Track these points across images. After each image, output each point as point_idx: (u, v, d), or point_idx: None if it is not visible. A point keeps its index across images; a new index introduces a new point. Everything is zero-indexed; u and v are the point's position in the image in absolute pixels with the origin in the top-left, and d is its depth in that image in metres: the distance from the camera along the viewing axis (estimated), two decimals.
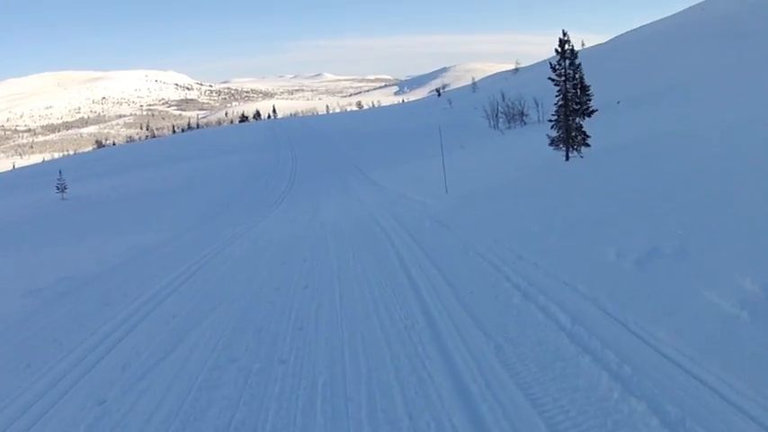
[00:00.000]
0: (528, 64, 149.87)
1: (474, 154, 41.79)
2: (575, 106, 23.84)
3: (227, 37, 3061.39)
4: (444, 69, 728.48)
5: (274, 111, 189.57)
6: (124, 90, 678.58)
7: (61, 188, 53.23)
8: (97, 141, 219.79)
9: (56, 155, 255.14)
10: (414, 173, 36.11)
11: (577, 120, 24.34)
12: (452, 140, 53.73)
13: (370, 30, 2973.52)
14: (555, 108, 25.27)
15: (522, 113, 60.20)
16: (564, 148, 25.27)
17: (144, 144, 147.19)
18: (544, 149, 29.85)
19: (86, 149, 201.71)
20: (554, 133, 25.75)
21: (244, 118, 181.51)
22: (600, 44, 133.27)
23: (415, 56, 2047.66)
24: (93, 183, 61.72)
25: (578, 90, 56.14)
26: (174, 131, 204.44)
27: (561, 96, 25.70)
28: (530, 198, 17.54)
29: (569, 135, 24.97)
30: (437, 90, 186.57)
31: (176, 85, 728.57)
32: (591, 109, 24.21)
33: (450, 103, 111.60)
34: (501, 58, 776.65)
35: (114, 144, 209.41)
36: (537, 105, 58.80)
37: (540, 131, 47.52)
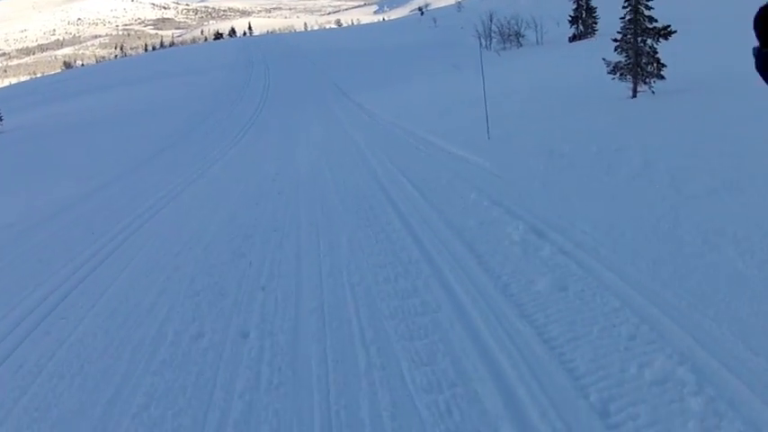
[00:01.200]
0: None
1: (478, 77, 36.53)
2: (646, 24, 18.02)
3: None
4: None
5: (250, 28, 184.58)
6: (100, 11, 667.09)
7: None
8: (65, 63, 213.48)
9: (23, 78, 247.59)
10: (415, 97, 30.44)
11: (650, 41, 18.26)
12: (443, 60, 49.98)
13: None
14: (621, 24, 18.98)
15: (518, 34, 56.11)
16: (631, 79, 18.45)
17: (110, 64, 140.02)
18: (565, 74, 26.03)
19: (54, 72, 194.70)
20: (616, 57, 18.80)
21: (218, 36, 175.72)
22: None
23: None
24: (41, 110, 55.71)
25: (584, 12, 53.77)
26: (146, 50, 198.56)
27: (630, 9, 18.50)
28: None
29: (638, 62, 18.30)
30: (419, 9, 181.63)
31: (153, 4, 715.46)
32: (668, 29, 17.83)
33: (435, 22, 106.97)
34: None
35: (83, 65, 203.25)
36: (536, 26, 55.21)
37: (543, 53, 44.56)
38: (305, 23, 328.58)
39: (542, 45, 52.81)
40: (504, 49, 53.47)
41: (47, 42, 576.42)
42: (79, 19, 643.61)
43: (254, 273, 8.50)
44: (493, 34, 58.48)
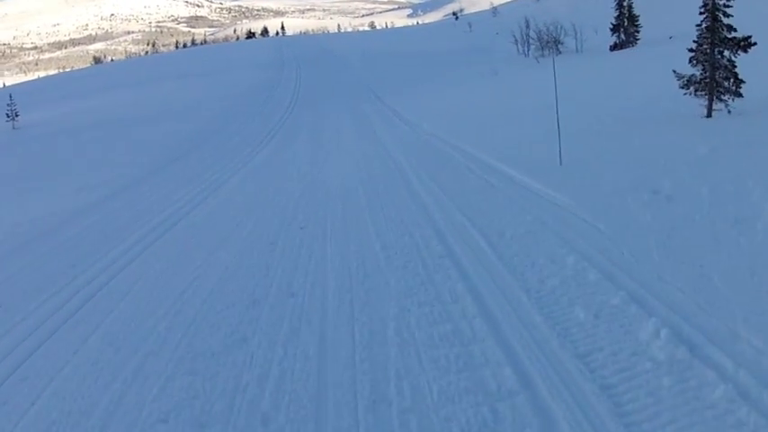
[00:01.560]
0: None
1: (519, 83, 34.58)
2: (725, 33, 15.09)
3: None
4: None
5: (283, 28, 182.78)
6: (133, 7, 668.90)
7: (12, 115, 45.50)
8: (95, 58, 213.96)
9: (52, 72, 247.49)
10: (456, 105, 28.70)
11: (727, 54, 15.45)
12: (481, 65, 48.31)
13: None
14: (697, 33, 16.32)
15: (556, 41, 54.34)
16: (705, 96, 15.98)
17: (139, 60, 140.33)
18: (620, 86, 24.42)
19: (84, 66, 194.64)
20: (689, 69, 16.28)
21: (251, 35, 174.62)
22: None
23: None
24: (62, 106, 53.32)
25: (626, 20, 52.07)
26: (177, 47, 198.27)
27: (707, 15, 15.89)
28: None
29: (713, 77, 15.73)
30: (454, 13, 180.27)
31: (186, 2, 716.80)
32: (749, 40, 15.32)
33: (470, 27, 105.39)
34: None
35: (112, 60, 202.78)
36: (575, 33, 53.18)
37: (587, 62, 42.15)
38: (338, 25, 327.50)
39: (582, 53, 51.07)
40: (543, 56, 51.69)
41: (79, 37, 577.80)
42: (112, 14, 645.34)
43: (253, 382, 5.77)
44: (531, 41, 56.68)
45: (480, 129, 20.00)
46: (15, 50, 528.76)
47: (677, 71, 16.17)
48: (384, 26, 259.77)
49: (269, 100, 39.95)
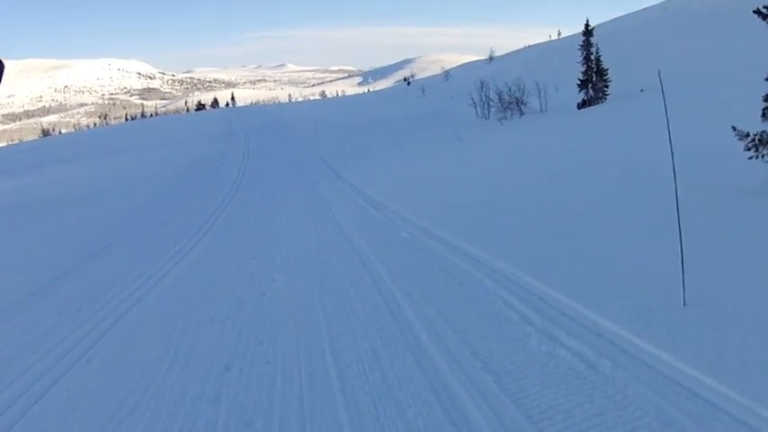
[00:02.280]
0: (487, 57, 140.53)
1: (487, 150, 30.94)
2: None
3: (189, 26, 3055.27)
4: (408, 61, 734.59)
5: (233, 98, 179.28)
6: (86, 79, 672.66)
7: None
8: (43, 130, 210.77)
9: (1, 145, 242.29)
10: (427, 178, 24.71)
11: None
12: (441, 131, 45.17)
13: (332, 21, 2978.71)
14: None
15: (519, 101, 50.90)
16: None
17: (86, 133, 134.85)
18: (611, 148, 21.12)
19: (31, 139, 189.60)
20: (757, 125, 12.28)
21: (200, 106, 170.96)
22: (575, 34, 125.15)
23: (377, 47, 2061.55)
24: None
25: (594, 75, 48.89)
26: (126, 120, 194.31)
27: None
28: None
29: None
30: (405, 79, 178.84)
31: (139, 74, 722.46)
32: None
33: (423, 92, 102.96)
34: (462, 50, 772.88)
35: (60, 133, 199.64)
36: (539, 92, 50.12)
37: (558, 122, 38.67)
38: (289, 95, 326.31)
39: (547, 113, 47.72)
40: (505, 118, 48.21)
41: (33, 109, 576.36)
42: (66, 86, 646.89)
43: None
44: (491, 103, 53.10)
45: (463, 209, 16.64)
46: None
47: (738, 128, 11.88)
48: (335, 94, 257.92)
49: (212, 177, 33.69)
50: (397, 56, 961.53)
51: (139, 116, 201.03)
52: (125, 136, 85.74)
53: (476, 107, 56.45)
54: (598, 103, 45.01)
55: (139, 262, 15.18)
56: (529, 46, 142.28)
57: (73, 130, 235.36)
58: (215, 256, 15.14)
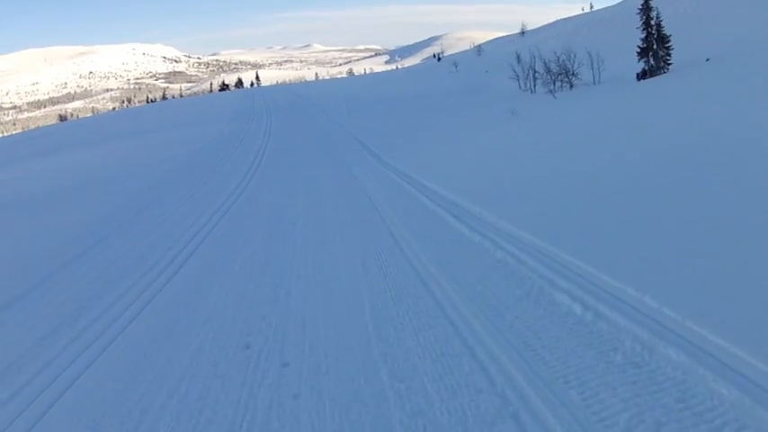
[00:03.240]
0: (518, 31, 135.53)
1: (556, 127, 24.83)
2: None
3: (214, 8, 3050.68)
4: (435, 38, 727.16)
5: (257, 78, 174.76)
6: (111, 64, 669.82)
7: None
8: (60, 116, 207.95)
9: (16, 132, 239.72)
10: (491, 162, 19.25)
11: None
12: (487, 107, 40.60)
13: (357, 0, 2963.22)
14: None
15: (568, 73, 46.24)
16: None
17: (102, 117, 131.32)
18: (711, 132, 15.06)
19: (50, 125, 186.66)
20: None
21: (224, 87, 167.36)
22: (608, 7, 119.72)
23: (403, 26, 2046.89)
24: None
25: (655, 42, 43.89)
26: (147, 102, 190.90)
27: None
28: None
29: None
30: (435, 56, 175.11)
31: (164, 57, 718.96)
32: None
33: (456, 67, 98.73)
34: (489, 27, 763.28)
35: (77, 117, 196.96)
36: (591, 62, 44.99)
37: (615, 95, 33.09)
38: (316, 74, 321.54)
39: (600, 84, 42.83)
40: (552, 91, 43.37)
41: (58, 96, 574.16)
42: (91, 72, 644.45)
43: None
44: (537, 74, 48.25)
45: (566, 209, 11.71)
46: None
47: None
48: (363, 72, 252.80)
49: (225, 161, 29.11)
50: (424, 34, 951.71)
51: (160, 99, 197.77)
52: (141, 118, 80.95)
53: (518, 80, 51.91)
54: (660, 74, 39.96)
55: (128, 269, 11.33)
56: (560, 19, 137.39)
57: (91, 114, 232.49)
58: (223, 267, 11.44)
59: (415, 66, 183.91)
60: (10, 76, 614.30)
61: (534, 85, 47.73)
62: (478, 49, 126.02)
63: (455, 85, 66.74)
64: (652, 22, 42.06)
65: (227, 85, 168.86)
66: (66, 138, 66.36)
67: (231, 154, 32.80)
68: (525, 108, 33.29)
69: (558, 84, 44.90)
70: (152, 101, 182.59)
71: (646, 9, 42.54)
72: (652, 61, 41.31)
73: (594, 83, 43.68)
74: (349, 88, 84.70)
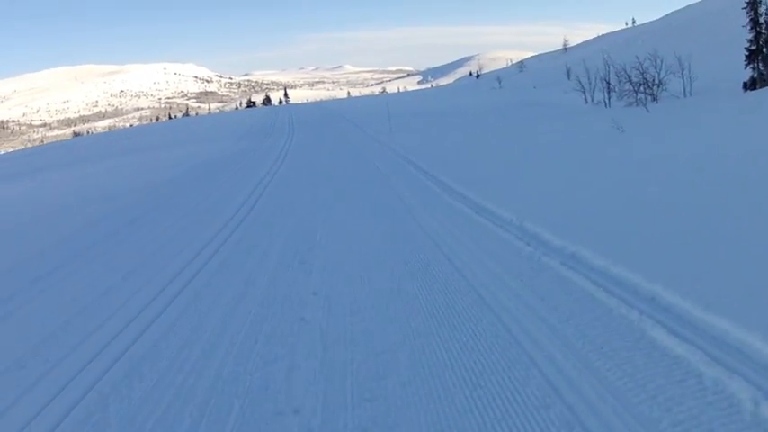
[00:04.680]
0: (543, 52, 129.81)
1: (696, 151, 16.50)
2: None
3: (247, 29, 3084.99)
4: (467, 59, 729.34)
5: (286, 95, 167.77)
6: (142, 83, 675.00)
7: None
8: (75, 133, 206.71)
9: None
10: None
11: None
12: (562, 120, 32.35)
13: (389, 22, 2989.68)
14: None
15: (653, 83, 37.27)
16: None
17: (109, 134, 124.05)
18: None
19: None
20: None
21: (251, 104, 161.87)
22: (652, 21, 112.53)
23: (432, 48, 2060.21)
24: None
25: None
26: (169, 118, 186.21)
27: None
28: None
29: None
30: (471, 74, 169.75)
31: (195, 77, 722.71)
32: None
33: (500, 83, 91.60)
34: (520, 47, 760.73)
35: (88, 133, 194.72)
36: (682, 70, 36.15)
37: (722, 111, 25.03)
38: (348, 92, 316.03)
39: (693, 96, 34.81)
40: (641, 103, 35.34)
41: (89, 114, 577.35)
42: (122, 91, 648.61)
43: None
44: (612, 85, 39.96)
45: None
46: (24, 127, 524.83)
47: None
48: (397, 91, 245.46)
49: (216, 190, 21.48)
50: (455, 55, 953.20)
51: (182, 116, 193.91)
52: (149, 135, 72.92)
53: (584, 93, 44.06)
54: None
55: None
56: (604, 34, 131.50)
57: (108, 130, 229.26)
58: None
59: (453, 83, 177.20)
60: (41, 93, 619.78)
61: (609, 98, 39.65)
62: (520, 65, 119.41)
63: (504, 101, 58.81)
64: (761, 20, 33.98)
65: (254, 103, 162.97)
66: (56, 156, 58.68)
67: (236, 173, 25.71)
68: (629, 124, 25.01)
69: (637, 96, 36.86)
70: (173, 117, 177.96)
71: (753, 4, 34.34)
72: (761, 68, 33.20)
73: (685, 95, 35.64)
74: (385, 104, 76.47)
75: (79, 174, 35.03)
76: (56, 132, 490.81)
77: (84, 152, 57.65)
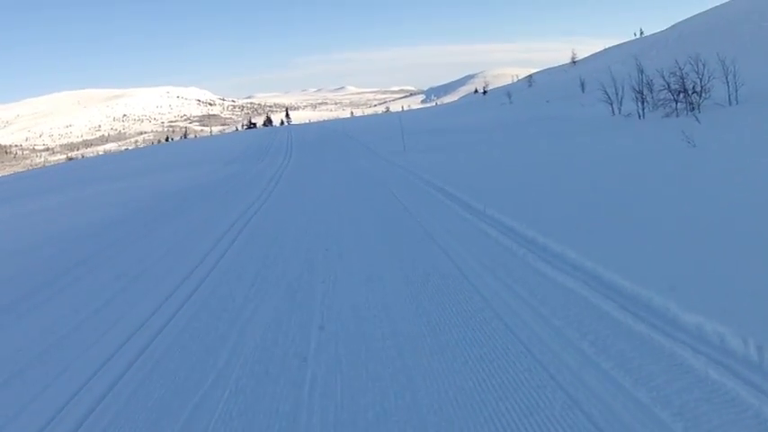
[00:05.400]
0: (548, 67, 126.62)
1: None
2: None
3: (249, 52, 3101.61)
4: (470, 76, 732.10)
5: (287, 115, 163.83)
6: (145, 107, 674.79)
7: None
8: (68, 157, 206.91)
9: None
10: None
11: None
12: (605, 132, 28.75)
13: (390, 42, 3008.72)
14: None
15: (694, 91, 32.36)
16: None
17: (91, 160, 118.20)
18: None
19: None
20: None
21: (251, 125, 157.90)
22: (663, 30, 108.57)
23: (434, 66, 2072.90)
24: None
25: None
26: (166, 140, 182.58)
27: None
28: None
29: None
30: (477, 91, 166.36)
31: (198, 101, 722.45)
32: None
33: (510, 98, 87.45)
34: (522, 64, 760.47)
35: (82, 157, 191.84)
36: (726, 73, 31.58)
37: None
38: (351, 112, 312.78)
39: (740, 104, 30.53)
40: (669, 115, 31.11)
41: (92, 138, 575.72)
42: (125, 115, 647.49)
43: None
44: (645, 94, 35.61)
45: None
46: (27, 152, 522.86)
47: None
48: (401, 109, 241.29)
49: (165, 241, 15.94)
50: (457, 73, 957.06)
51: (180, 137, 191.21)
52: (122, 162, 68.86)
53: (611, 104, 39.82)
54: None
55: None
56: (612, 46, 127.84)
57: (100, 154, 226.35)
58: None
59: (456, 101, 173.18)
60: (44, 118, 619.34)
61: (643, 109, 35.30)
62: (529, 80, 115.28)
63: (519, 116, 54.30)
64: None
65: (254, 124, 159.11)
66: (24, 184, 54.50)
67: (211, 202, 21.01)
68: (704, 138, 20.43)
69: (677, 105, 32.57)
70: (167, 139, 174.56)
71: None
72: None
73: (730, 102, 31.32)
74: (393, 121, 70.82)
75: (25, 209, 30.37)
76: (58, 157, 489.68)
77: (58, 179, 53.18)
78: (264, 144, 60.02)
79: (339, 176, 27.19)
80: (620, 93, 39.73)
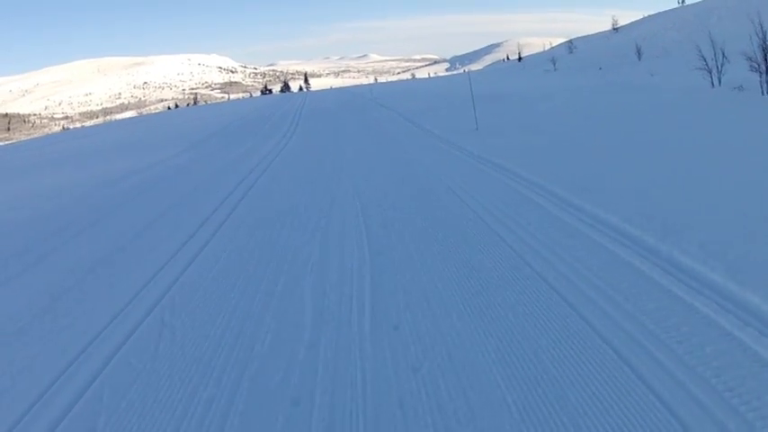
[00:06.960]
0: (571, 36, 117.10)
1: None
2: None
3: (271, 19, 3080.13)
4: (496, 45, 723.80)
5: (306, 81, 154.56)
6: (166, 74, 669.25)
7: None
8: (63, 127, 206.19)
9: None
10: None
11: None
12: (711, 113, 18.53)
13: (413, 11, 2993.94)
14: None
15: None
16: None
17: (82, 130, 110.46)
18: None
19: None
20: None
21: (267, 90, 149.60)
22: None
23: (457, 35, 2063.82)
24: None
25: None
26: (176, 107, 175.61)
27: None
28: None
29: None
30: (508, 58, 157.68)
31: (220, 68, 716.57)
32: None
33: (554, 64, 79.41)
34: (548, 34, 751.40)
35: (82, 127, 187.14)
36: None
37: None
38: (375, 78, 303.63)
39: None
40: None
41: (111, 106, 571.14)
42: (145, 83, 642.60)
43: None
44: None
45: None
46: (46, 121, 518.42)
47: None
48: (428, 76, 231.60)
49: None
50: (481, 42, 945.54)
51: (191, 103, 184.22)
52: (104, 133, 61.02)
53: (711, 74, 31.10)
54: None
55: None
56: (651, 15, 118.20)
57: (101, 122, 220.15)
58: None
59: (491, 67, 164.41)
60: (63, 86, 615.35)
61: (765, 81, 26.27)
62: (569, 45, 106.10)
63: (578, 83, 45.04)
64: None
65: (270, 90, 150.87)
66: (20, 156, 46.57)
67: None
68: None
69: None
70: (176, 106, 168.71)
71: None
72: None
73: None
74: (429, 87, 60.22)
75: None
76: (77, 125, 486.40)
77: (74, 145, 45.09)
78: (278, 110, 51.06)
79: (354, 134, 23.19)
80: (719, 60, 30.93)
